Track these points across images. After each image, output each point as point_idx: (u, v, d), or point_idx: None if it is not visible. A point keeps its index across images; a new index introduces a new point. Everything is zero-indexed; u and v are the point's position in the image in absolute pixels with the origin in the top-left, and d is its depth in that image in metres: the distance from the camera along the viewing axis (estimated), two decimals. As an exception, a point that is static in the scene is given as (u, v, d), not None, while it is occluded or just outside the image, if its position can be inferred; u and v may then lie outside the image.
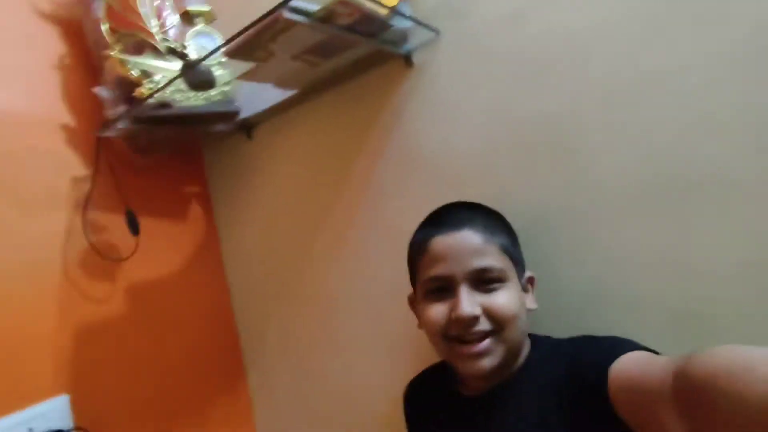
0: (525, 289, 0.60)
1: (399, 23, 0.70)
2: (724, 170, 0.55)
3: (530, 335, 0.62)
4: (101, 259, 0.91)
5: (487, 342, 0.54)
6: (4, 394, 0.76)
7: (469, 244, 0.55)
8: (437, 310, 0.57)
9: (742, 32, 0.54)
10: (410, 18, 0.71)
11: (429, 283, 0.58)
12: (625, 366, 0.45)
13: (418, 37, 0.77)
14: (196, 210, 1.13)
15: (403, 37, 0.76)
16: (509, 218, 0.65)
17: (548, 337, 0.61)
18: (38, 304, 0.83)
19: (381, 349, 0.90)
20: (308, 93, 0.91)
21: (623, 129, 0.61)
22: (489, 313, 0.54)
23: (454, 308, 0.55)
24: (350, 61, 0.80)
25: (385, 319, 0.88)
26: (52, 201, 0.88)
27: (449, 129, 0.77)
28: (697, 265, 0.57)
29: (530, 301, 0.61)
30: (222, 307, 1.14)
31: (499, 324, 0.54)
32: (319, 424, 1.02)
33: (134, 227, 0.93)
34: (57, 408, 0.81)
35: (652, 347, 0.49)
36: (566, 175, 0.66)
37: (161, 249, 1.03)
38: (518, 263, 0.60)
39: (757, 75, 0.53)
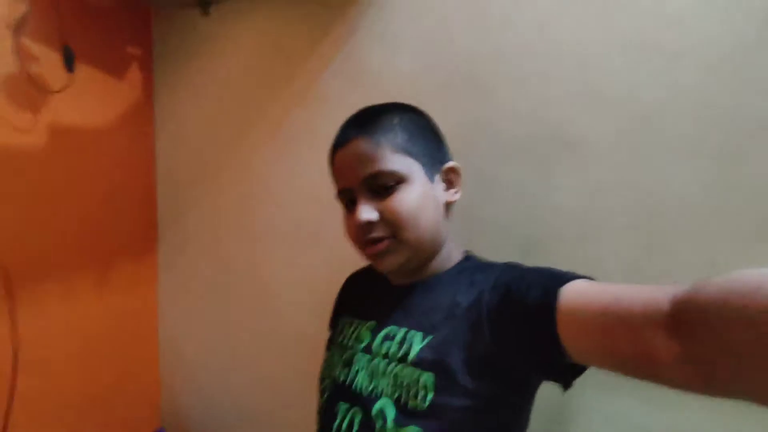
0: (447, 182, 0.62)
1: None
2: (586, 131, 0.70)
3: (468, 252, 0.65)
4: (30, 86, 0.90)
5: (384, 243, 0.56)
6: None
7: (358, 153, 0.57)
8: (349, 221, 0.60)
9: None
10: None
11: (339, 196, 0.61)
12: (580, 291, 0.45)
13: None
14: (135, 72, 1.13)
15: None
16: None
17: (486, 259, 0.64)
18: (-47, 112, 0.82)
19: (297, 243, 1.00)
20: (273, -18, 0.94)
21: (521, 82, 0.74)
22: (384, 216, 0.56)
23: (353, 217, 0.57)
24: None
25: (303, 215, 0.98)
26: (-17, 13, 0.85)
27: (393, 51, 0.86)
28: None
29: (450, 194, 0.61)
30: (145, 172, 1.17)
31: (395, 225, 0.56)
32: (222, 304, 1.12)
33: (69, 63, 0.93)
34: (-41, 218, 0.83)
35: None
36: (476, 110, 0.78)
37: (93, 95, 1.03)
38: (424, 158, 0.59)
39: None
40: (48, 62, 0.93)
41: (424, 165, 0.59)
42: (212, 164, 1.11)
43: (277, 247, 1.02)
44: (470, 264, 0.62)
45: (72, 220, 1.00)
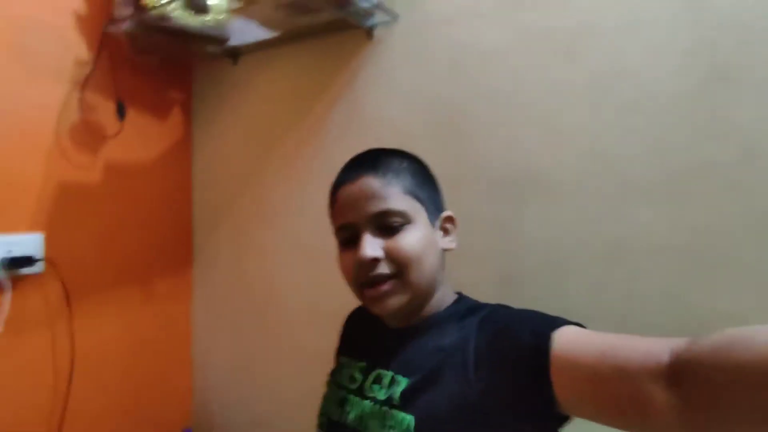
0: (443, 230, 0.62)
1: (362, 2, 0.87)
2: (551, 170, 0.77)
3: (460, 294, 0.65)
4: (88, 133, 1.09)
5: (389, 284, 0.55)
6: (-7, 219, 0.96)
7: (367, 190, 0.56)
8: (347, 258, 0.59)
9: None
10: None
11: (339, 232, 0.61)
12: (573, 337, 0.45)
13: (380, 16, 0.95)
14: (176, 115, 1.31)
15: (369, 13, 0.94)
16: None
17: (477, 300, 0.64)
18: (31, 156, 1.01)
19: (300, 260, 1.12)
20: (286, 39, 1.09)
21: (495, 126, 0.82)
22: (390, 255, 0.55)
23: (357, 253, 0.56)
24: (323, 21, 0.97)
25: (315, 239, 1.10)
26: (56, 75, 1.04)
27: (388, 101, 0.97)
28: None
29: (447, 241, 0.62)
30: (183, 201, 1.34)
31: (401, 265, 0.55)
32: (246, 316, 1.25)
33: (121, 113, 1.11)
34: (33, 241, 1.01)
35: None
36: (456, 152, 0.87)
37: (140, 137, 1.21)
38: (427, 204, 0.60)
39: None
40: (104, 112, 1.12)
41: (427, 210, 0.60)
42: (238, 192, 1.26)
43: (289, 264, 1.15)
44: (461, 306, 0.62)
45: (121, 243, 1.18)
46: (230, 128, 1.27)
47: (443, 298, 0.62)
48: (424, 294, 0.59)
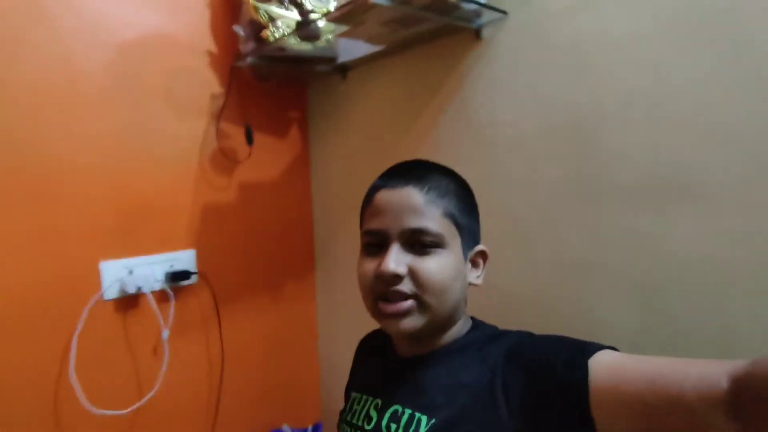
0: (473, 263, 0.59)
1: (467, 6, 0.82)
2: (706, 175, 0.65)
3: (474, 319, 0.62)
4: (225, 159, 1.23)
5: (408, 303, 0.52)
6: (159, 241, 1.13)
7: (408, 202, 0.54)
8: (368, 266, 0.56)
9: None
10: (477, 2, 0.83)
11: (366, 236, 0.58)
12: (613, 365, 0.41)
13: (488, 15, 0.89)
14: (295, 132, 1.40)
15: (476, 14, 0.88)
16: (529, 192, 0.79)
17: (493, 326, 0.61)
18: (182, 183, 1.18)
19: None
20: (392, 50, 1.08)
21: (628, 127, 0.72)
22: (414, 276, 0.52)
23: (380, 264, 0.53)
24: (428, 29, 0.94)
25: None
26: (197, 111, 1.19)
27: (500, 103, 0.90)
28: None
29: (475, 276, 0.59)
30: (304, 210, 1.45)
31: (422, 288, 0.52)
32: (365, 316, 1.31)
33: (249, 138, 1.22)
34: (187, 257, 1.18)
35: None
36: (578, 158, 0.78)
37: (267, 156, 1.32)
38: (465, 233, 0.57)
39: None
40: (236, 138, 1.25)
41: (463, 239, 0.57)
42: (353, 200, 1.31)
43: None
44: (479, 334, 0.58)
45: (255, 252, 1.31)
46: (343, 140, 1.33)
47: (460, 328, 0.59)
48: (443, 322, 0.56)
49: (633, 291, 0.72)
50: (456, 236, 0.56)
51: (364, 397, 0.62)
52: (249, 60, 1.12)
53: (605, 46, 0.74)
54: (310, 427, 1.34)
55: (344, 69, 1.26)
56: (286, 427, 1.33)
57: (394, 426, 0.54)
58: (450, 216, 0.56)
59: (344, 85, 1.29)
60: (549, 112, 0.82)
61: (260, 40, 1.08)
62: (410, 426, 0.52)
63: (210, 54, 1.20)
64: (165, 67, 1.13)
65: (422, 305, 0.53)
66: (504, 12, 0.86)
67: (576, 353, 0.44)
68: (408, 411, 0.54)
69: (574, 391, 0.42)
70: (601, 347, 0.45)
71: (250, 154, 1.26)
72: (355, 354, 0.76)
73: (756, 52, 0.60)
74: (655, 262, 0.70)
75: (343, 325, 1.39)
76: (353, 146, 1.29)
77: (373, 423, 0.57)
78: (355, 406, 0.63)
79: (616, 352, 0.44)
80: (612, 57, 0.74)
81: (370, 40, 1.03)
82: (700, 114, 0.65)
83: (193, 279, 1.18)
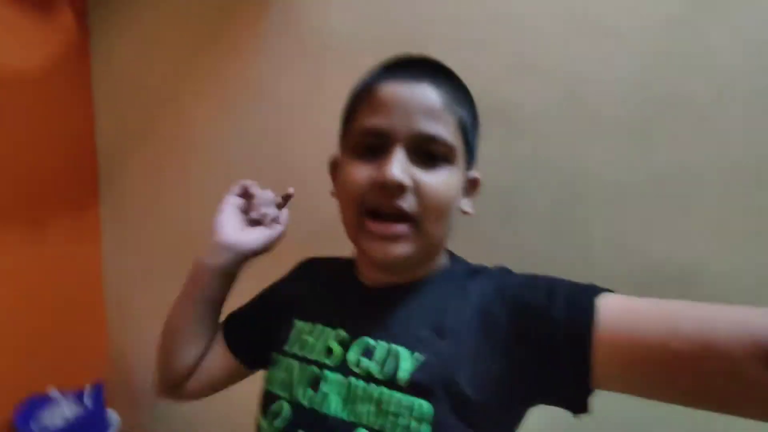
0: (466, 188, 0.51)
1: None
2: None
3: (449, 251, 0.55)
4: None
5: (404, 226, 0.44)
6: None
7: (424, 101, 0.44)
8: (361, 171, 0.45)
9: None
10: None
11: (362, 135, 0.46)
12: (623, 308, 0.38)
13: None
14: (65, 13, 1.04)
15: None
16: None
17: (470, 263, 0.54)
18: None
19: None
20: None
21: (455, 50, 0.71)
22: (419, 191, 0.44)
23: (379, 170, 0.44)
24: None
25: (244, 173, 0.95)
26: None
27: (337, 11, 0.81)
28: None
29: (466, 203, 0.51)
30: (83, 120, 1.11)
31: (425, 208, 0.44)
32: (168, 261, 1.10)
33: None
34: None
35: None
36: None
37: (14, 38, 0.95)
38: (471, 151, 0.49)
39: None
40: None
41: (467, 158, 0.48)
42: (153, 114, 1.06)
43: (217, 198, 1.00)
44: (459, 268, 0.52)
45: (3, 169, 0.95)
46: (139, 36, 1.04)
47: (442, 259, 0.52)
48: (432, 251, 0.49)
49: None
50: (463, 152, 0.47)
51: (319, 327, 0.51)
52: None
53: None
54: (87, 387, 1.09)
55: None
56: (53, 391, 1.06)
57: (365, 361, 0.45)
58: (463, 128, 0.46)
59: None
60: (390, 27, 0.77)
61: None
62: (387, 360, 0.44)
63: None
64: None
65: (419, 230, 0.45)
66: None
67: (577, 292, 0.40)
68: (383, 343, 0.45)
69: (576, 335, 0.37)
70: (602, 290, 0.40)
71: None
72: (295, 271, 0.62)
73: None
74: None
75: (140, 269, 1.16)
76: (154, 46, 1.03)
77: (336, 357, 0.47)
78: (304, 337, 0.51)
79: (622, 296, 0.39)
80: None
81: None
82: (513, 44, 0.68)
83: None
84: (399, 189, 0.43)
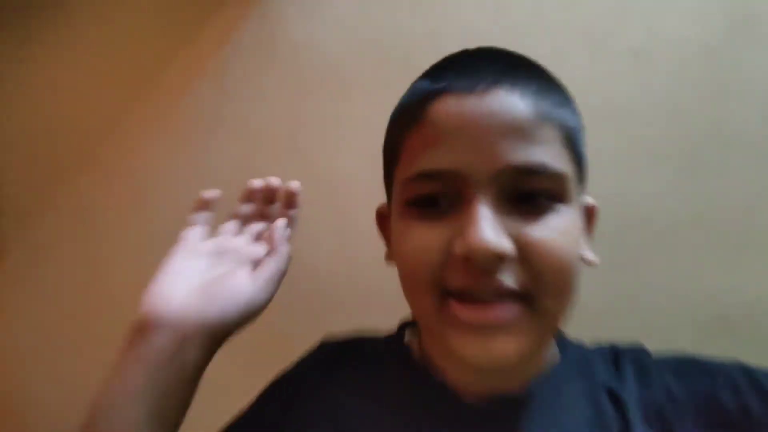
0: (584, 226, 0.35)
1: None
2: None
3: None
4: None
5: (511, 306, 0.29)
6: None
7: (507, 116, 0.28)
8: (427, 236, 0.30)
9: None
10: None
11: (415, 183, 0.31)
12: None
13: None
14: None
15: None
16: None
17: (577, 340, 0.39)
18: None
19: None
20: None
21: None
22: (526, 255, 0.28)
23: (462, 234, 0.28)
24: None
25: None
26: None
27: (321, 25, 0.70)
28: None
29: (587, 248, 0.34)
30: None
31: (539, 278, 0.29)
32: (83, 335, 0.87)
33: None
34: None
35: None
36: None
37: None
38: (582, 168, 0.33)
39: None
40: None
41: (579, 181, 0.32)
42: (84, 140, 0.87)
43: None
44: (574, 353, 0.37)
45: None
46: (64, 51, 0.85)
47: (553, 343, 0.37)
48: (550, 336, 0.35)
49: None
50: (574, 177, 0.31)
51: None
52: None
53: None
54: None
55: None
56: None
57: None
58: (570, 140, 0.30)
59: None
60: (368, 37, 0.68)
61: None
62: None
63: None
64: None
65: (533, 309, 0.29)
66: None
67: (736, 374, 0.32)
68: None
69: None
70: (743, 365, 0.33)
71: None
72: (307, 371, 0.40)
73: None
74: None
75: (49, 347, 0.90)
76: (85, 65, 0.85)
77: None
78: None
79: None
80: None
81: None
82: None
83: None
84: (496, 259, 0.27)
